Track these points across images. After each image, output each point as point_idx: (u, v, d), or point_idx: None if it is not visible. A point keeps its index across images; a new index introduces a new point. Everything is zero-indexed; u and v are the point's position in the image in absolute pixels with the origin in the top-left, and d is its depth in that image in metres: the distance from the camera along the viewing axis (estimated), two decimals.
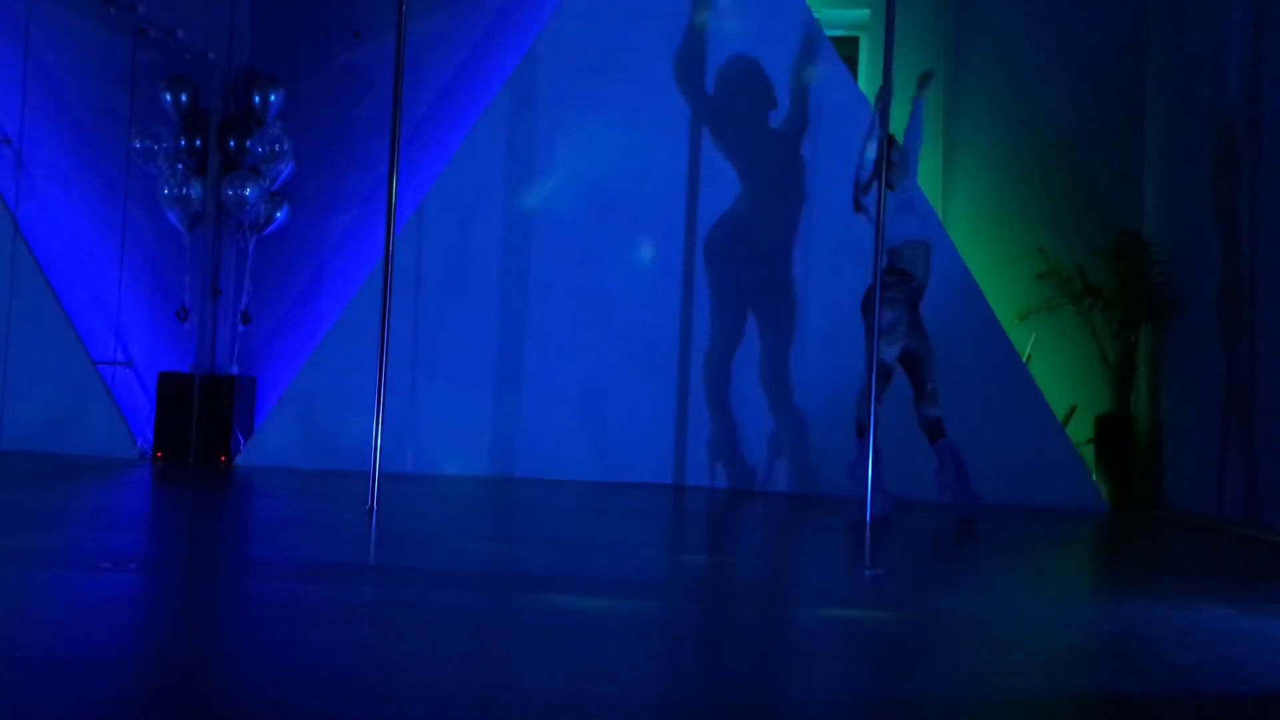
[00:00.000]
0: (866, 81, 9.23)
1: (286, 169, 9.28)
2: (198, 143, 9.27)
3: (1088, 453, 8.84)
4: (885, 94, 6.90)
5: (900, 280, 6.99)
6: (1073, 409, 8.94)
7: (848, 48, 9.52)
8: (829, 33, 9.03)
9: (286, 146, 9.20)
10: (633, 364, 8.90)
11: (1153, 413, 8.81)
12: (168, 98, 9.20)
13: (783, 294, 8.79)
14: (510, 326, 9.00)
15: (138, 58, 9.34)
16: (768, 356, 8.78)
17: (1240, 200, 7.68)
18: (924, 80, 7.24)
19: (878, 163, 6.86)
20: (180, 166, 9.20)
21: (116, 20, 9.17)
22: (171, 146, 9.18)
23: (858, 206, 7.18)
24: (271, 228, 9.38)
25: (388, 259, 6.45)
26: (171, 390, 9.17)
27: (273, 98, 9.25)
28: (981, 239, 9.15)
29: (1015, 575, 5.67)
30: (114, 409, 9.19)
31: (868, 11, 9.49)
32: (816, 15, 8.93)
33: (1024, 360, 8.73)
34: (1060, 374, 9.00)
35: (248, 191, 9.17)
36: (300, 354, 9.35)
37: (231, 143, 9.30)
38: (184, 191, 9.17)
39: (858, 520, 6.47)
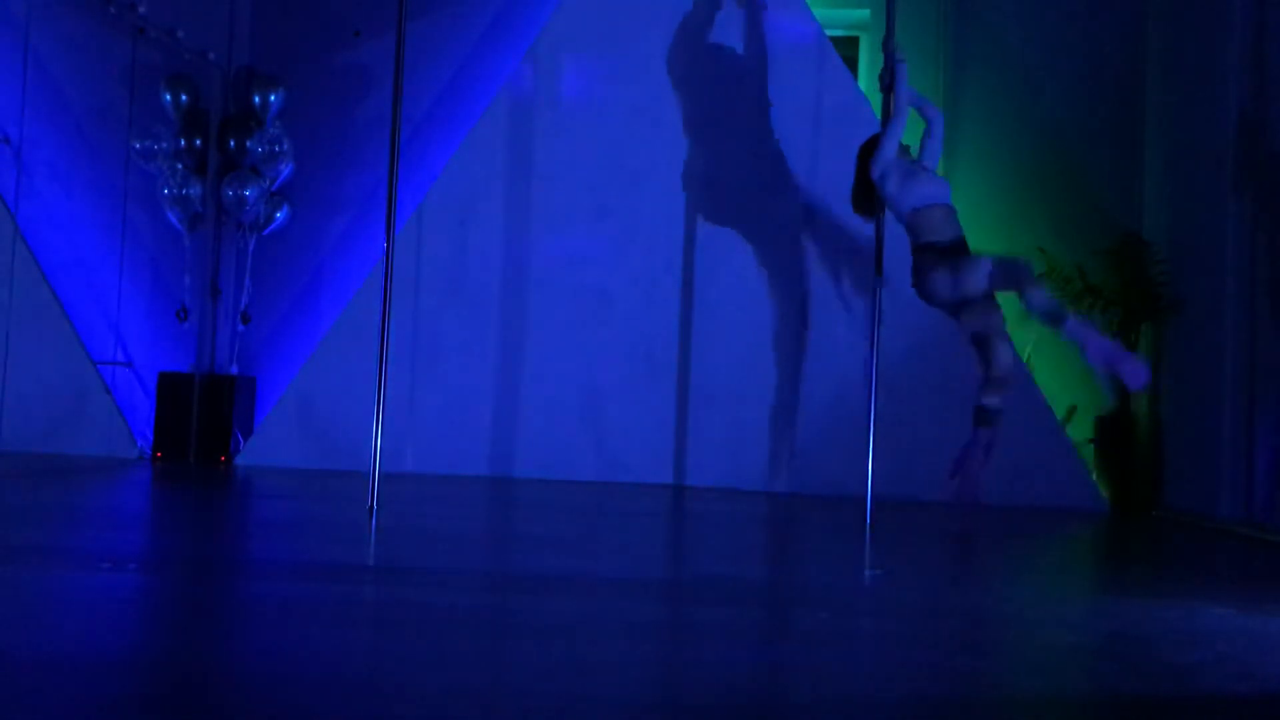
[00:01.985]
0: (866, 81, 9.23)
1: (286, 169, 9.28)
2: (198, 143, 9.28)
3: (1088, 453, 8.84)
4: (887, 89, 6.87)
5: (929, 253, 6.38)
6: (1073, 409, 8.94)
7: (848, 48, 9.52)
8: (829, 33, 9.03)
9: (286, 146, 9.20)
10: (633, 364, 8.90)
11: (1153, 413, 8.81)
12: (168, 98, 9.21)
13: (783, 293, 8.78)
14: (510, 326, 9.00)
15: (138, 58, 9.34)
16: (768, 356, 8.77)
17: (1240, 200, 7.68)
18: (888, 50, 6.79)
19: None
20: (180, 166, 9.20)
21: (116, 20, 9.17)
22: (171, 146, 9.19)
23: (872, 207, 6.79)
24: (271, 228, 9.38)
25: (388, 259, 6.46)
26: (171, 390, 9.17)
27: (273, 98, 9.25)
28: (982, 239, 9.14)
29: (1015, 575, 5.67)
30: (114, 409, 9.19)
31: (868, 11, 9.49)
32: (816, 15, 8.93)
33: (1024, 360, 8.73)
34: (1060, 374, 9.00)
35: (248, 191, 9.17)
36: (300, 354, 9.35)
37: (231, 143, 9.31)
38: (184, 191, 9.18)
39: (950, 507, 6.21)
